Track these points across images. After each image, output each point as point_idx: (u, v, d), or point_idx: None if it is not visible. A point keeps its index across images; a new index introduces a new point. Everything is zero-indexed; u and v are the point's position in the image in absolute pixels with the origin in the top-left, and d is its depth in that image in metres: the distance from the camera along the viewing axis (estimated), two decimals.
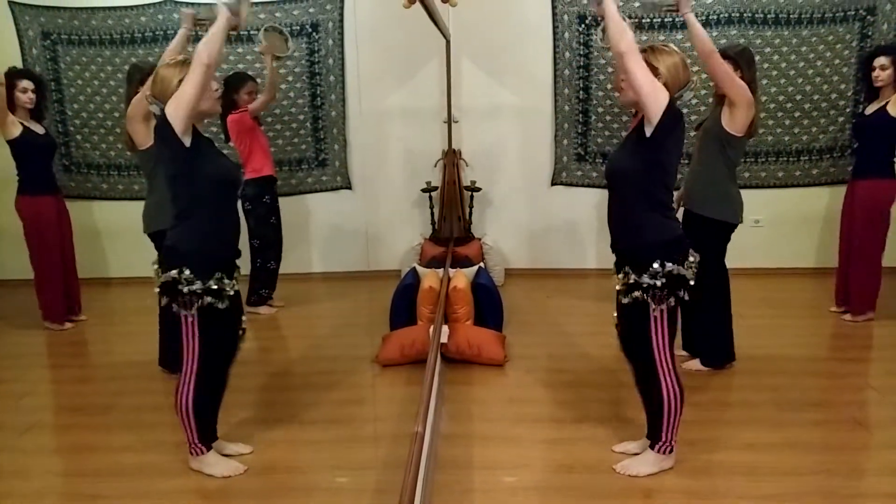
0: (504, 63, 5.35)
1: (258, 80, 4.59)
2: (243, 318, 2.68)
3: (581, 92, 5.31)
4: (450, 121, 5.16)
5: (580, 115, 5.36)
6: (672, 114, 2.29)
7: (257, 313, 4.55)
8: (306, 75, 5.36)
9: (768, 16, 5.01)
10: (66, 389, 3.67)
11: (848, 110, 5.08)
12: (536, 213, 5.53)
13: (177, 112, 2.31)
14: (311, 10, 5.29)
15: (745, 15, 5.00)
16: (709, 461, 2.62)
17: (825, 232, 5.21)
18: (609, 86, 5.18)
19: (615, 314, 2.58)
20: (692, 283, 2.39)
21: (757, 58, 4.31)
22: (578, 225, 5.52)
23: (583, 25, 5.21)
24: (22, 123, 4.13)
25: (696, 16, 3.10)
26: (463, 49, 5.24)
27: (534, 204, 5.52)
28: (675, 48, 2.44)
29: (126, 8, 5.21)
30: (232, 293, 2.52)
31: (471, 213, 5.39)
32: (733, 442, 2.76)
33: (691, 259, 2.42)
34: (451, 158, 5.19)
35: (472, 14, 5.05)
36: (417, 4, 3.20)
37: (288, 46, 4.53)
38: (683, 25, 5.18)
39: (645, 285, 2.35)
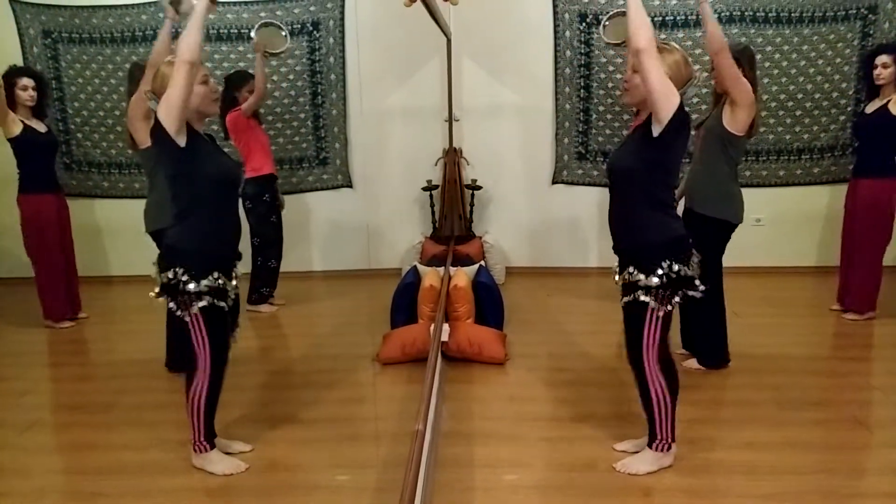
0: (505, 61, 5.35)
1: None
2: (237, 318, 2.68)
3: (582, 90, 5.31)
4: (451, 119, 5.16)
5: (581, 114, 5.36)
6: (682, 115, 2.28)
7: (258, 311, 4.55)
8: (307, 74, 5.36)
9: (770, 14, 5.00)
10: (66, 387, 3.67)
11: (849, 109, 5.07)
12: (537, 212, 5.53)
13: (167, 113, 2.30)
14: (312, 8, 5.29)
15: (746, 13, 5.00)
16: (709, 460, 2.62)
17: (826, 231, 5.21)
18: (610, 84, 5.18)
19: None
20: (698, 283, 2.37)
21: (758, 56, 4.31)
22: (579, 223, 5.52)
23: (584, 24, 5.20)
24: (23, 122, 4.13)
25: (695, 13, 3.09)
26: (464, 47, 5.24)
27: (534, 202, 5.52)
28: (677, 46, 2.44)
29: (127, 6, 5.23)
30: (234, 295, 2.53)
31: (471, 212, 5.39)
32: (733, 440, 2.76)
33: (695, 259, 2.40)
34: (452, 157, 5.19)
35: (473, 12, 5.05)
36: (418, 3, 3.19)
37: (285, 42, 4.48)
38: (684, 24, 5.27)
39: (650, 286, 2.33)
